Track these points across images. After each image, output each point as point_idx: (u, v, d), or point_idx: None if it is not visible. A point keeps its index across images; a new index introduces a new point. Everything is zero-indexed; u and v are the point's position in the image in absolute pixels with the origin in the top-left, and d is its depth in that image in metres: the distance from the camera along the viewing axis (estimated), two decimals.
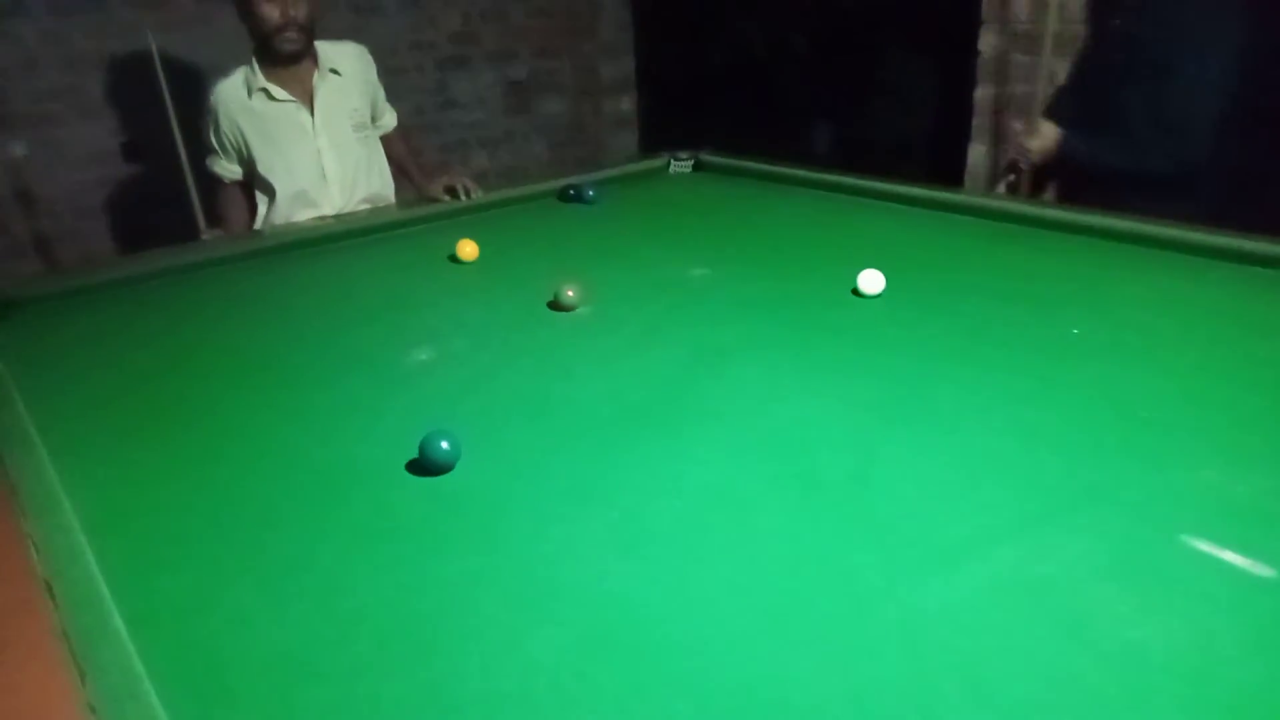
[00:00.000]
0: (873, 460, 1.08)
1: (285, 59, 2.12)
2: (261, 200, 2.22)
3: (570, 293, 1.57)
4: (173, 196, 2.50)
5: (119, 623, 0.79)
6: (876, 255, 1.66)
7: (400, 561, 0.92)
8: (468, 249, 1.85)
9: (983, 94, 2.76)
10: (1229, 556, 0.87)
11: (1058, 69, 2.50)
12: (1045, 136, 2.26)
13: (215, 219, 2.29)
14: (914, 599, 0.83)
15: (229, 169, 2.22)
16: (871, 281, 1.57)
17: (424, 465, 1.06)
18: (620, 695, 0.73)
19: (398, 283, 1.82)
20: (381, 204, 2.32)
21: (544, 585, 0.88)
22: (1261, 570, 0.84)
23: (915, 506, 0.98)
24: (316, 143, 2.19)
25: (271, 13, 2.07)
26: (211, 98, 2.16)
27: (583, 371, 1.37)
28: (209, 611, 0.85)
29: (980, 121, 2.79)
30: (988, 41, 2.71)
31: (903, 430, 1.15)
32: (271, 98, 2.14)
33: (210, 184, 2.28)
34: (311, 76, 2.19)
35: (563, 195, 2.32)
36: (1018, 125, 2.51)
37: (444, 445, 1.05)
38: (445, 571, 0.90)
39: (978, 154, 2.82)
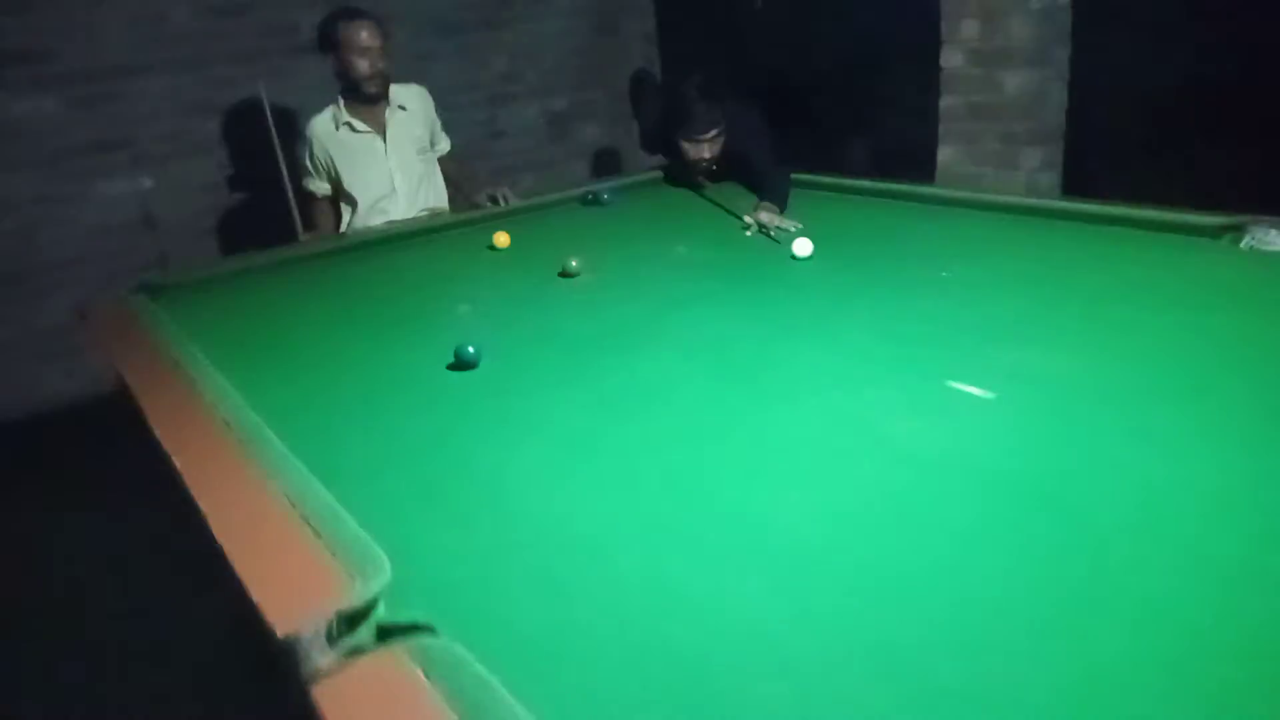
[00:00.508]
0: (766, 355, 1.56)
1: (367, 99, 2.70)
2: (345, 210, 2.79)
3: (574, 263, 2.08)
4: (270, 215, 3.09)
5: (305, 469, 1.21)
6: (821, 233, 2.13)
7: (461, 415, 1.41)
8: (501, 238, 2.37)
9: (947, 103, 3.20)
10: (971, 390, 1.32)
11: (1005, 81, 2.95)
12: None
13: (309, 226, 2.87)
14: (771, 421, 1.31)
15: (321, 186, 2.80)
16: (802, 247, 2.04)
17: (458, 364, 1.57)
18: (601, 480, 1.23)
19: (449, 265, 2.35)
20: (438, 211, 2.87)
21: (556, 428, 1.37)
22: (986, 394, 1.30)
23: (786, 374, 1.46)
24: (388, 164, 2.76)
25: (362, 66, 2.65)
26: (307, 130, 2.75)
27: (578, 314, 1.87)
28: (375, 470, 1.27)
29: (946, 127, 3.22)
30: (948, 58, 3.16)
31: (791, 336, 1.62)
32: (354, 130, 2.72)
33: (304, 200, 2.87)
34: (384, 113, 2.76)
35: (584, 199, 2.84)
36: None
37: (470, 349, 1.56)
38: (476, 423, 1.40)
39: (946, 154, 3.25)
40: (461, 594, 0.96)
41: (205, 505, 1.10)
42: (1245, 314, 1.55)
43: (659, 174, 3.04)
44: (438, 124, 2.94)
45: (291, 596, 0.91)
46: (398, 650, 0.82)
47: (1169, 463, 1.11)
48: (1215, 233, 1.89)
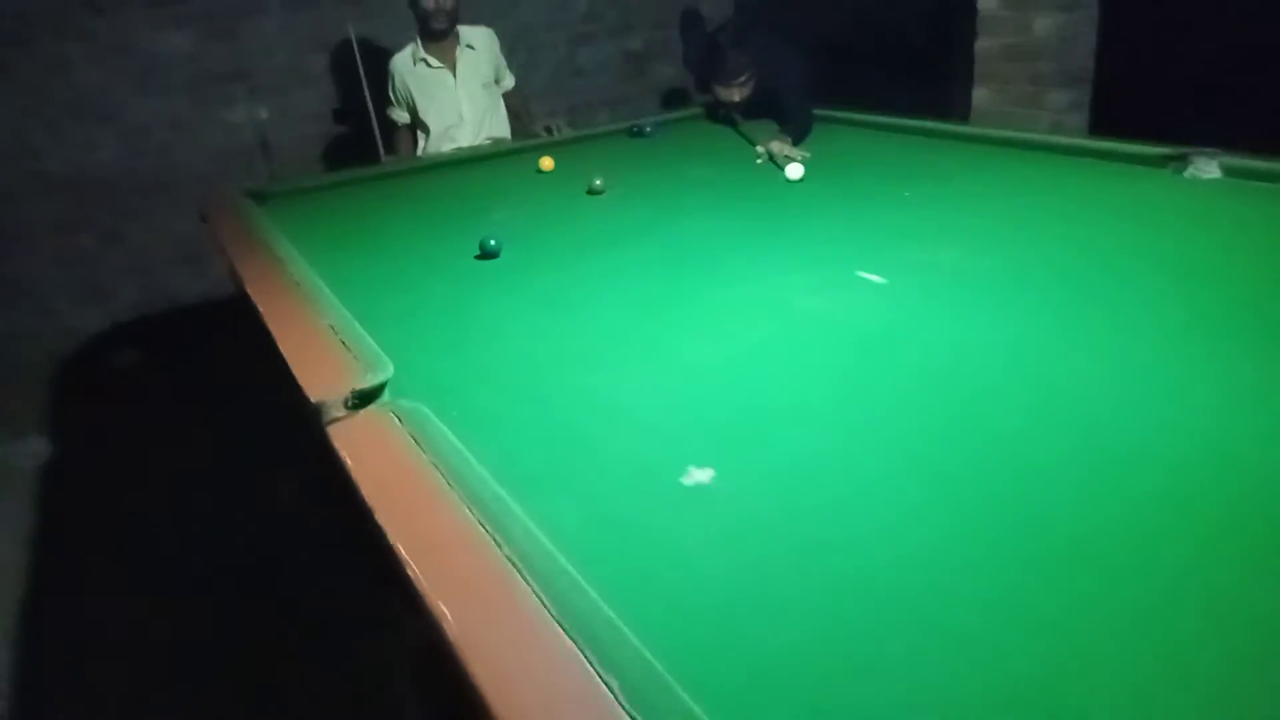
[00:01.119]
0: (727, 251, 1.89)
1: (436, 36, 3.09)
2: (421, 136, 3.22)
3: (598, 182, 2.44)
4: (361, 142, 3.55)
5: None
6: (827, 161, 2.42)
7: (477, 285, 1.81)
8: (546, 163, 2.75)
9: (982, 45, 3.37)
10: (871, 277, 1.63)
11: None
12: None
13: (390, 149, 3.31)
14: (713, 296, 1.65)
15: (400, 115, 3.22)
16: (794, 171, 2.34)
17: (483, 254, 1.96)
18: (576, 343, 1.60)
19: (502, 183, 2.74)
20: (501, 139, 3.26)
21: (547, 294, 1.75)
22: (880, 279, 1.61)
23: (737, 266, 1.79)
24: (457, 96, 3.16)
25: (429, 4, 3.04)
26: (390, 65, 3.17)
27: (590, 219, 2.23)
28: (401, 316, 1.73)
29: (981, 69, 3.40)
30: (984, 1, 3.32)
31: (754, 238, 1.95)
32: (429, 65, 3.13)
33: (386, 126, 3.30)
34: (455, 50, 3.15)
35: (630, 131, 3.18)
36: None
37: (492, 242, 1.95)
38: (487, 290, 1.79)
39: (980, 95, 3.44)
40: (447, 392, 1.35)
41: (274, 329, 1.53)
42: (1140, 227, 1.79)
43: (701, 110, 3.34)
44: (503, 62, 3.32)
45: (324, 380, 1.32)
46: (385, 409, 1.22)
47: (1003, 328, 1.40)
48: (1162, 162, 2.10)
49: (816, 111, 2.93)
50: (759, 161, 2.62)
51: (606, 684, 0.71)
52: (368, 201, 2.65)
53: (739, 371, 1.36)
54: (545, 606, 0.80)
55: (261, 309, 1.63)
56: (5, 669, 2.28)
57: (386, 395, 1.29)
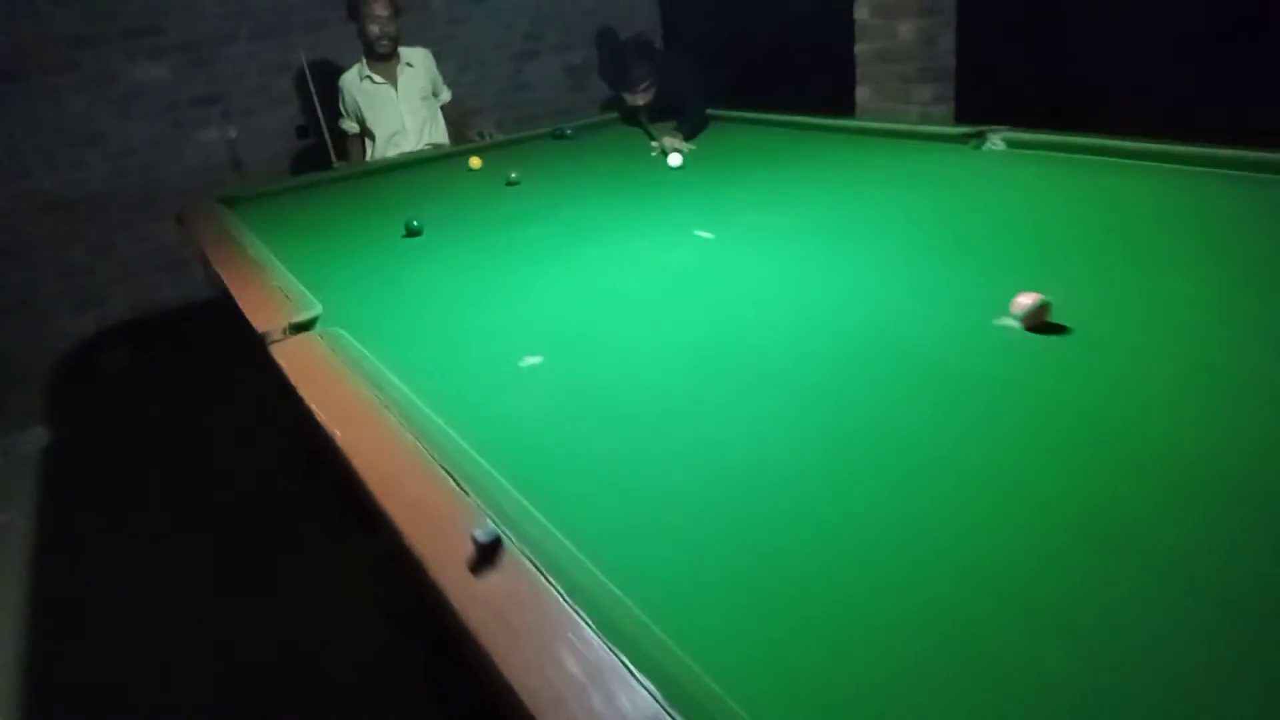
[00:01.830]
0: (605, 222, 2.34)
1: (380, 57, 3.55)
2: (369, 144, 3.67)
3: (514, 175, 2.90)
4: (319, 153, 4.00)
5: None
6: (710, 152, 2.88)
7: (402, 258, 2.26)
8: (475, 162, 3.20)
9: (860, 49, 3.84)
10: (704, 234, 2.09)
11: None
12: None
13: (341, 156, 3.77)
14: (586, 254, 2.10)
15: (350, 126, 3.68)
16: (674, 159, 2.81)
17: (409, 233, 2.41)
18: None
19: (437, 181, 3.19)
20: (440, 145, 3.72)
21: (454, 260, 2.20)
22: (710, 236, 2.07)
23: (609, 232, 2.25)
24: (399, 108, 3.61)
25: (373, 29, 3.50)
26: (340, 83, 3.63)
27: (506, 205, 2.68)
28: (343, 282, 2.20)
29: (861, 70, 3.87)
30: (859, 11, 3.79)
31: (626, 211, 2.40)
32: (374, 81, 3.59)
33: (338, 136, 3.76)
34: (396, 68, 3.61)
35: (552, 134, 3.64)
36: None
37: (415, 223, 2.40)
38: (408, 259, 2.24)
39: (862, 93, 3.91)
40: (363, 325, 1.79)
41: (233, 288, 1.98)
42: (934, 188, 2.26)
43: (616, 115, 3.80)
44: (439, 79, 3.78)
45: (268, 316, 1.77)
46: (312, 334, 1.67)
47: (784, 264, 1.86)
48: (965, 139, 2.57)
49: (717, 112, 3.40)
50: (654, 154, 3.07)
51: (453, 479, 1.16)
52: (320, 200, 3.10)
53: (582, 300, 1.82)
54: (418, 441, 1.23)
55: (224, 276, 2.09)
56: (16, 613, 2.71)
57: (316, 328, 1.74)
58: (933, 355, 1.37)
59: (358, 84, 3.60)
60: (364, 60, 3.61)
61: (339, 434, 1.26)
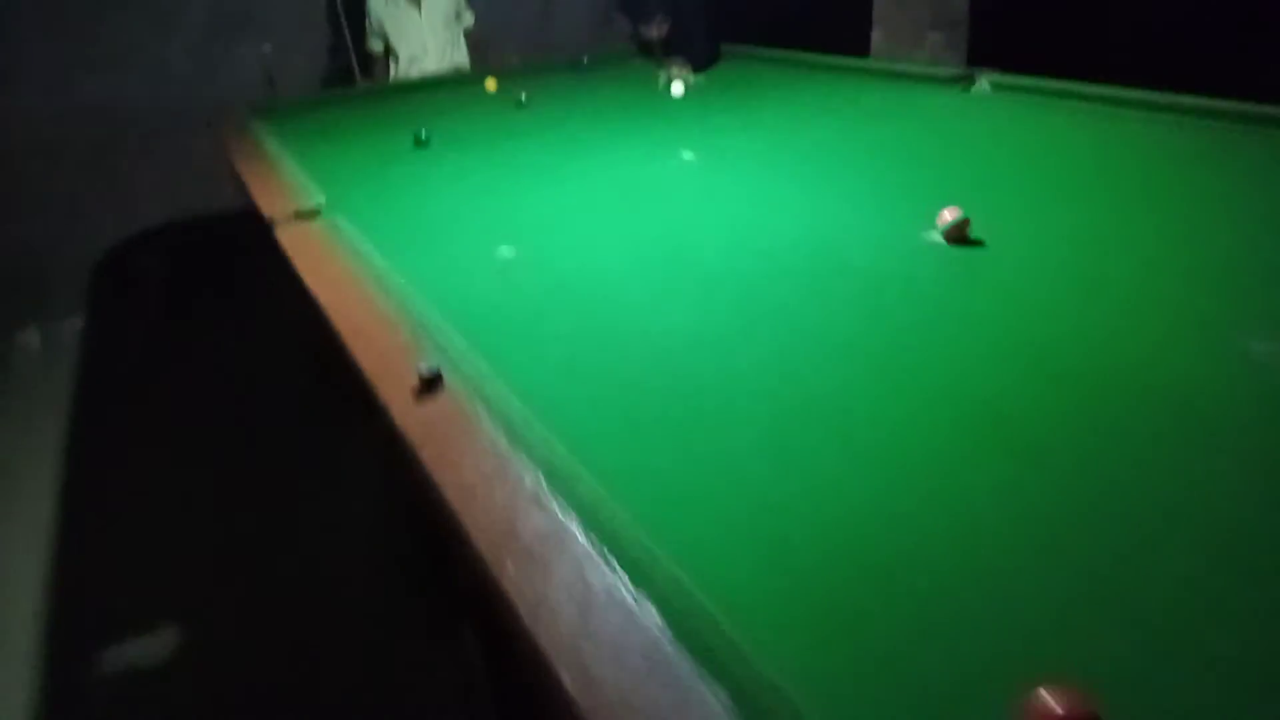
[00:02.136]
0: (602, 143, 2.48)
1: None
2: (392, 64, 3.82)
3: (523, 97, 3.03)
4: (347, 73, 4.16)
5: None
6: (717, 84, 3.00)
7: (413, 166, 2.42)
8: (490, 84, 3.34)
9: None
10: (687, 155, 2.23)
11: None
12: None
13: (366, 74, 3.92)
14: (584, 170, 2.25)
15: (376, 45, 3.82)
16: (676, 89, 2.93)
17: (417, 144, 2.56)
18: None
19: (454, 100, 3.33)
20: (462, 66, 3.86)
21: (457, 166, 2.36)
22: (691, 157, 2.21)
23: (606, 152, 2.39)
24: (423, 29, 3.74)
25: None
26: (368, 3, 3.77)
27: (511, 123, 2.83)
28: (348, 181, 2.37)
29: (876, 13, 3.93)
30: None
31: (625, 135, 2.53)
32: (399, 3, 3.72)
33: (364, 56, 3.91)
34: None
35: (569, 63, 3.76)
36: None
37: (423, 133, 2.56)
38: (415, 168, 2.40)
39: (877, 35, 3.97)
40: (364, 215, 1.96)
41: (249, 182, 2.15)
42: (911, 124, 2.37)
43: (633, 47, 3.90)
44: (463, 2, 3.90)
45: (277, 205, 1.94)
46: (317, 221, 1.85)
47: (790, 190, 2.00)
48: (955, 81, 2.66)
49: (730, 47, 3.51)
50: (661, 84, 3.19)
51: (411, 332, 1.34)
52: (342, 114, 3.25)
53: (562, 205, 1.97)
54: (386, 303, 1.41)
55: (242, 172, 2.27)
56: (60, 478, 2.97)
57: (319, 218, 1.92)
58: (862, 261, 1.51)
59: (384, 5, 3.73)
60: None
61: (321, 296, 1.44)
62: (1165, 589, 0.75)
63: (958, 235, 1.50)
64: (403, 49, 3.76)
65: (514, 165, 2.34)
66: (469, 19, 3.96)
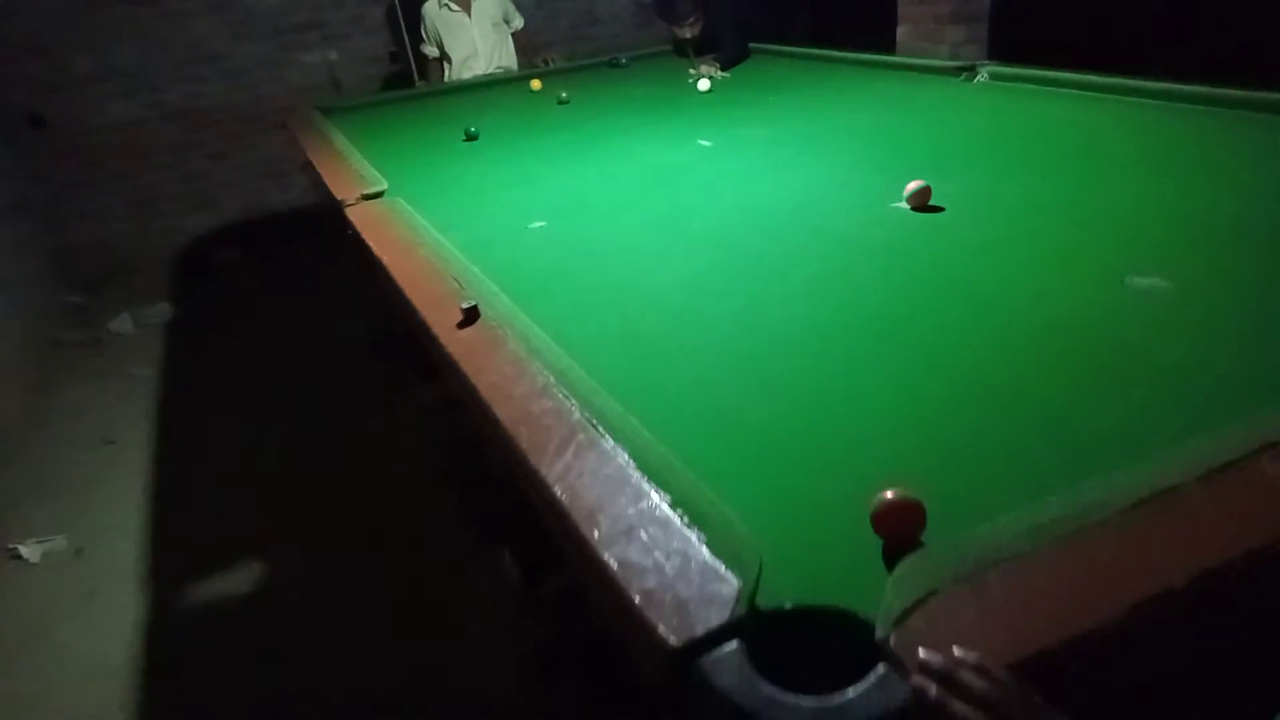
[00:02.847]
0: (632, 131, 2.76)
1: None
2: (446, 66, 4.15)
3: (564, 95, 3.33)
4: (406, 76, 4.49)
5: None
6: (743, 80, 3.26)
7: (464, 156, 2.73)
8: (535, 84, 3.64)
9: None
10: (704, 142, 2.50)
11: None
12: None
13: (423, 77, 4.26)
14: (601, 157, 2.54)
15: (430, 50, 4.16)
16: (703, 84, 3.19)
17: (468, 137, 2.87)
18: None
19: (502, 99, 3.64)
20: (509, 68, 4.17)
21: (505, 152, 2.66)
22: (708, 144, 2.47)
23: (635, 139, 2.67)
24: (473, 33, 4.07)
25: None
26: (423, 11, 4.11)
27: (552, 118, 3.12)
28: (406, 169, 2.68)
29: (901, 10, 4.14)
30: None
31: (654, 125, 2.81)
32: (451, 9, 4.05)
33: (420, 60, 4.25)
34: None
35: (609, 63, 4.05)
36: None
37: (472, 129, 2.86)
38: (469, 159, 2.71)
39: (902, 31, 4.18)
40: (421, 199, 2.25)
41: (322, 172, 2.48)
42: (907, 112, 2.60)
43: (669, 46, 4.18)
44: (511, 7, 4.21)
45: (347, 189, 2.26)
46: (379, 201, 2.16)
47: (788, 171, 2.25)
48: (958, 72, 2.88)
49: (760, 45, 3.77)
50: (690, 80, 3.46)
51: (455, 281, 1.63)
52: (401, 112, 3.59)
53: (589, 185, 2.26)
54: (436, 261, 1.71)
55: (315, 164, 2.60)
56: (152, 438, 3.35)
57: (383, 198, 2.23)
58: (838, 225, 1.77)
59: (437, 11, 4.07)
60: None
61: (385, 257, 1.75)
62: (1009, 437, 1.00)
63: (920, 203, 1.74)
64: (455, 52, 4.09)
65: (552, 155, 2.63)
66: (519, 22, 4.27)
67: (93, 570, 2.61)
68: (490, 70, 4.12)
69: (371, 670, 2.10)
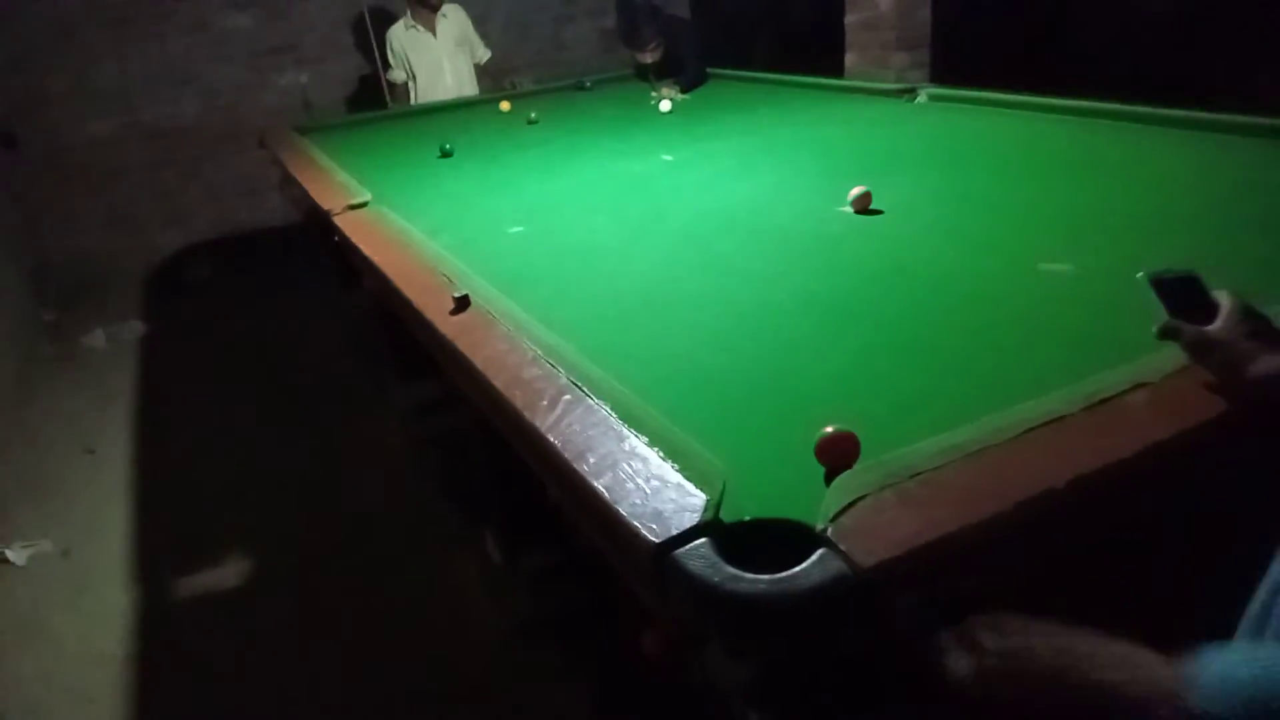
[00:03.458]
0: (597, 147, 2.94)
1: (426, 10, 4.23)
2: (413, 87, 4.34)
3: (533, 115, 3.51)
4: (376, 98, 4.66)
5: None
6: (702, 101, 3.46)
7: (437, 170, 2.89)
8: (504, 105, 3.82)
9: (850, 19, 4.36)
10: (666, 157, 2.68)
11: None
12: None
13: (392, 98, 4.44)
14: (570, 170, 2.71)
15: (397, 75, 4.35)
16: (664, 105, 3.39)
17: (443, 154, 3.03)
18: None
19: (472, 120, 3.81)
20: (472, 91, 4.36)
21: (477, 167, 2.83)
22: (670, 158, 2.66)
23: (599, 153, 2.85)
24: (440, 52, 4.28)
25: None
26: (388, 35, 4.31)
27: (522, 138, 3.29)
28: (374, 178, 2.84)
29: (850, 38, 4.39)
30: None
31: (616, 140, 2.99)
32: (417, 31, 4.26)
33: (389, 82, 4.43)
34: (435, 19, 4.28)
35: (575, 86, 4.24)
36: None
37: (447, 146, 3.03)
38: (442, 173, 2.87)
39: (850, 58, 4.43)
40: (402, 207, 2.40)
41: (308, 186, 2.63)
42: (853, 128, 2.82)
43: (632, 70, 4.39)
44: (474, 36, 4.43)
45: (333, 200, 2.41)
46: (366, 210, 2.31)
47: (744, 180, 2.44)
48: (900, 94, 3.11)
49: (719, 70, 3.99)
50: (653, 102, 3.66)
51: (445, 276, 1.79)
52: (377, 131, 3.75)
53: (561, 195, 2.43)
54: (423, 258, 1.87)
55: (298, 177, 2.74)
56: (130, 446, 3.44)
57: (368, 207, 2.38)
58: (788, 226, 1.96)
59: (404, 33, 4.30)
60: (409, 13, 4.30)
61: (376, 256, 1.90)
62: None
63: (862, 207, 1.94)
64: (422, 73, 4.29)
65: (524, 168, 2.80)
66: (484, 53, 4.46)
67: (82, 569, 2.70)
68: (458, 91, 4.30)
69: (361, 647, 2.23)
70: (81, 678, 2.24)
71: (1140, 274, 1.06)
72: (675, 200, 2.28)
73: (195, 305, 4.86)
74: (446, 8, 4.35)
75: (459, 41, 4.36)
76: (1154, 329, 1.03)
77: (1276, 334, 1.00)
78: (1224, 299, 1.02)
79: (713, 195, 2.28)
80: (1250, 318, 0.99)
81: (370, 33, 4.56)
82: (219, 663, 2.24)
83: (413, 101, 4.35)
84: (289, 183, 2.94)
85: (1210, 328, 0.99)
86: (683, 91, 3.73)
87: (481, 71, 4.46)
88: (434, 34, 4.28)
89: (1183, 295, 1.03)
